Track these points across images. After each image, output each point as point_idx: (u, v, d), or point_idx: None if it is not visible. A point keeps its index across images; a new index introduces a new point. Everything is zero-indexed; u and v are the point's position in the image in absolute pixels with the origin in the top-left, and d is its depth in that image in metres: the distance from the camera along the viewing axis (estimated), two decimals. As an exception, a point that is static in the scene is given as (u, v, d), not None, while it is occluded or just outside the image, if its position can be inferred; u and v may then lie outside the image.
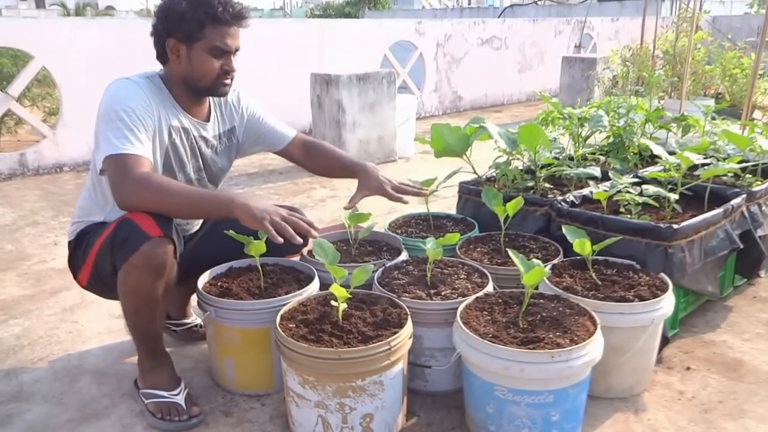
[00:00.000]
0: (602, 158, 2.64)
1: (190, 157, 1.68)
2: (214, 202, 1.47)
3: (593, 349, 1.38)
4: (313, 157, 1.91)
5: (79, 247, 1.65)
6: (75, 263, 1.67)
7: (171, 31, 1.53)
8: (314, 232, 1.49)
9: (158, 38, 1.56)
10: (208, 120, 1.72)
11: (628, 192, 1.99)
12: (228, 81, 1.60)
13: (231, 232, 1.70)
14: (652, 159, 2.62)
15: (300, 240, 1.45)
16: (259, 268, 1.72)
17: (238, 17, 1.54)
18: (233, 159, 1.85)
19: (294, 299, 1.60)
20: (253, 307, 1.59)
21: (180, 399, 1.59)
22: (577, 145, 2.59)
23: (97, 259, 1.57)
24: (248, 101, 1.83)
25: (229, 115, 1.80)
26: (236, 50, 1.59)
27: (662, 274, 1.71)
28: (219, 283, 1.71)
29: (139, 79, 1.57)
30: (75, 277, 1.69)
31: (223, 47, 1.54)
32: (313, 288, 1.68)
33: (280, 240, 1.41)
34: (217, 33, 1.52)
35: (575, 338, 1.40)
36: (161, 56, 1.59)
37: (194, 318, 2.02)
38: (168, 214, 1.47)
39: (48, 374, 1.82)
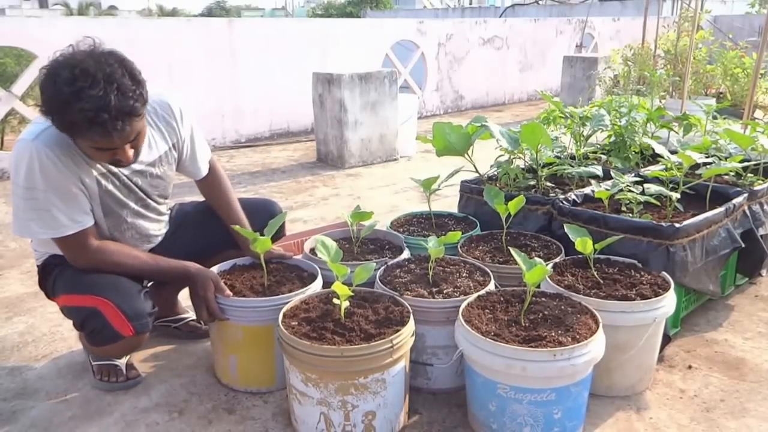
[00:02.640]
0: (604, 157, 2.64)
1: (128, 195, 1.61)
2: (179, 270, 1.63)
3: (595, 347, 1.38)
4: (210, 195, 1.86)
5: (46, 278, 1.66)
6: (46, 291, 1.71)
7: (52, 117, 1.31)
8: (219, 316, 1.61)
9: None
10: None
11: (629, 191, 1.99)
12: (124, 163, 1.44)
13: (236, 227, 1.74)
14: (654, 158, 2.62)
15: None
16: (263, 265, 1.73)
17: (115, 130, 1.29)
18: (175, 172, 1.75)
19: (298, 297, 1.60)
20: (258, 305, 1.59)
21: (121, 363, 1.71)
22: (578, 144, 2.60)
23: (64, 313, 1.64)
24: (190, 122, 1.70)
25: (169, 133, 1.65)
26: (130, 140, 1.38)
27: (664, 273, 1.72)
28: (222, 281, 1.72)
29: (44, 135, 1.39)
30: (49, 299, 1.72)
31: (103, 147, 1.35)
32: (316, 286, 1.68)
33: (202, 318, 1.64)
34: (92, 139, 1.31)
35: (577, 336, 1.40)
36: None
37: (190, 313, 2.03)
38: (129, 272, 1.58)
39: (51, 371, 1.83)
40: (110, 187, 1.56)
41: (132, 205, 1.64)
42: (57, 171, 1.42)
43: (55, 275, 1.62)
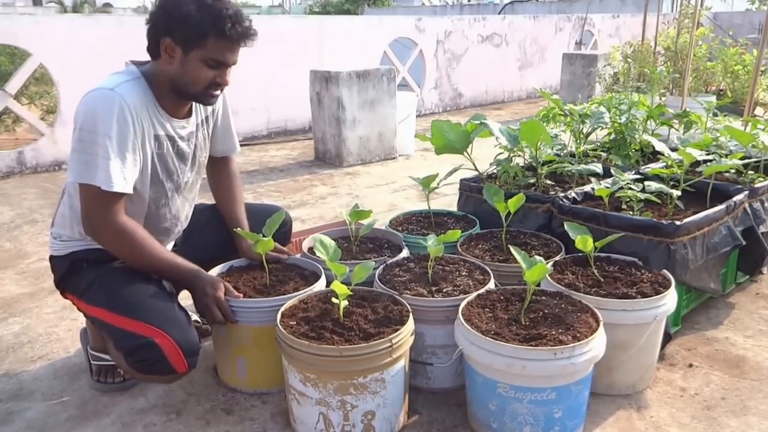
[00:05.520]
0: (604, 155, 2.63)
1: (178, 163, 1.62)
2: (190, 274, 1.56)
3: (595, 345, 1.37)
4: (220, 183, 1.85)
5: (71, 276, 1.58)
6: (66, 289, 1.62)
7: (170, 30, 1.44)
8: (232, 318, 1.57)
9: (154, 32, 1.47)
10: (190, 114, 1.64)
11: (630, 189, 1.98)
12: (217, 93, 1.55)
13: (238, 229, 1.74)
14: (654, 156, 2.61)
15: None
16: (266, 265, 1.71)
17: (245, 37, 1.48)
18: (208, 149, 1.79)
19: (301, 296, 1.59)
20: (268, 305, 1.57)
21: None
22: (578, 141, 2.59)
23: (99, 326, 1.58)
24: (225, 95, 1.76)
25: None
26: (233, 64, 1.53)
27: (664, 271, 1.71)
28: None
29: (122, 87, 1.45)
30: (63, 295, 1.65)
31: (221, 60, 1.48)
32: (321, 284, 1.67)
33: (214, 319, 1.57)
34: (218, 46, 1.46)
35: (578, 335, 1.39)
36: (152, 51, 1.50)
37: (190, 314, 2.01)
38: (139, 263, 1.53)
39: (48, 372, 1.82)
40: (165, 150, 1.57)
41: (176, 177, 1.63)
42: (129, 123, 1.44)
43: (91, 280, 1.53)
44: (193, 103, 1.64)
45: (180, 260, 1.56)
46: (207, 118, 1.73)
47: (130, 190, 1.47)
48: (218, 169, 1.86)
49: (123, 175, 1.44)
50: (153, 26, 1.47)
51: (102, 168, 1.40)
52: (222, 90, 1.56)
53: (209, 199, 1.90)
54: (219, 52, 1.46)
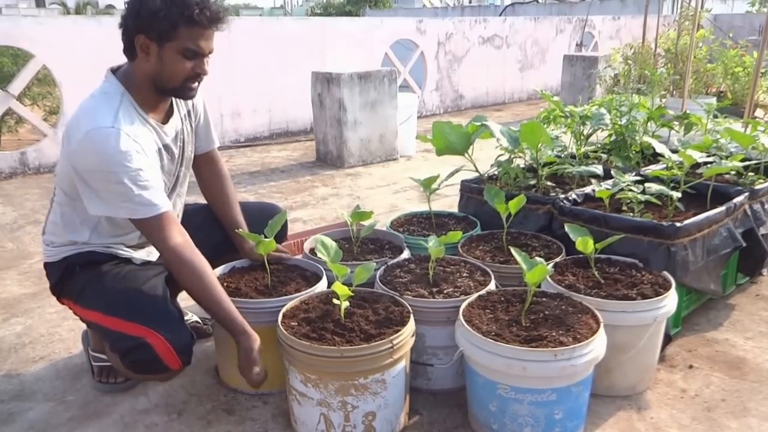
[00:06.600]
0: (604, 156, 2.63)
1: (173, 164, 1.63)
2: (231, 324, 1.49)
3: (596, 347, 1.38)
4: (211, 184, 1.85)
5: (66, 281, 1.59)
6: (61, 294, 1.62)
7: (142, 27, 1.43)
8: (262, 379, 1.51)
9: (127, 33, 1.46)
10: (172, 111, 1.63)
11: (630, 190, 1.99)
12: (196, 84, 1.54)
13: (240, 230, 1.74)
14: (654, 157, 2.61)
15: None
16: (267, 266, 1.72)
17: (215, 20, 1.46)
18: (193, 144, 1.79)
19: (301, 297, 1.59)
20: (270, 306, 1.57)
21: None
22: (579, 143, 2.59)
23: (91, 326, 1.60)
24: (200, 93, 1.74)
25: None
26: (209, 53, 1.51)
27: (665, 273, 1.71)
28: (225, 283, 1.70)
29: (119, 120, 1.43)
30: (59, 300, 1.65)
31: (196, 49, 1.46)
32: (322, 285, 1.67)
33: (250, 383, 1.48)
34: (191, 34, 1.44)
35: (578, 336, 1.39)
36: (128, 51, 1.48)
37: (190, 314, 2.02)
38: (188, 293, 1.52)
39: (50, 373, 1.82)
40: (166, 161, 1.58)
41: (172, 176, 1.65)
42: (141, 152, 1.46)
43: (85, 283, 1.54)
44: (173, 100, 1.63)
45: (233, 309, 1.51)
46: (189, 112, 1.72)
47: (168, 207, 1.48)
48: (206, 170, 1.84)
49: (159, 197, 1.45)
50: (125, 27, 1.46)
51: (134, 200, 1.42)
52: (200, 81, 1.54)
53: (199, 197, 1.90)
54: (192, 40, 1.44)
